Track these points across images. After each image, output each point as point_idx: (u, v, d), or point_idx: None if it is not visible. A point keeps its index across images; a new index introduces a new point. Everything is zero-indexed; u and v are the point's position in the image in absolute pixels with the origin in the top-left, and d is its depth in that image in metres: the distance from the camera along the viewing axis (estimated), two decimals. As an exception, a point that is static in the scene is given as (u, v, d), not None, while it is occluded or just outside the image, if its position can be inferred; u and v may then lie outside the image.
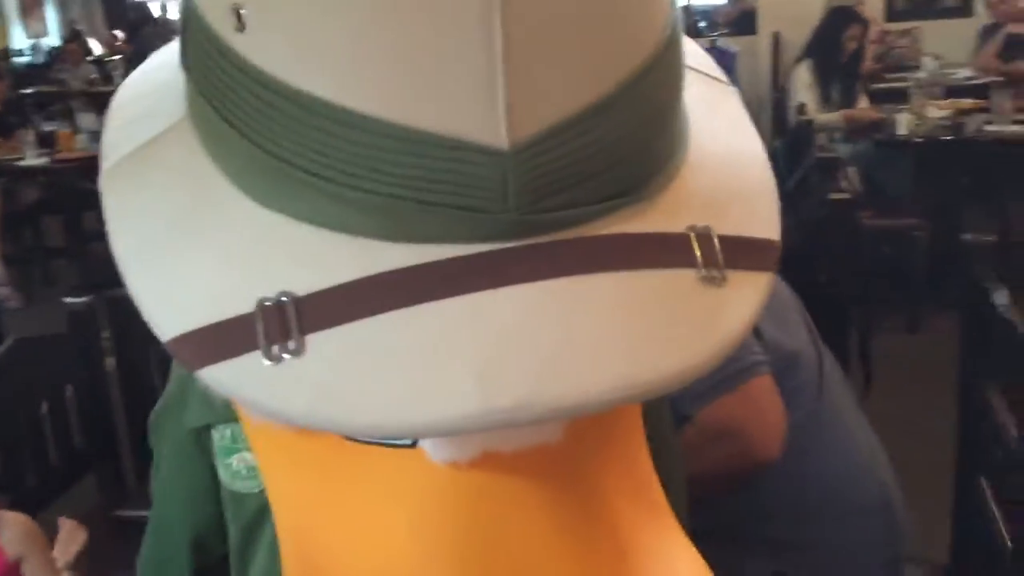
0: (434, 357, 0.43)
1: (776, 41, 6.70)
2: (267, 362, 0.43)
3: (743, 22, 7.49)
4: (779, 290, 1.46)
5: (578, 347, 0.44)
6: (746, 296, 0.49)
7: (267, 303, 0.44)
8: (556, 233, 0.46)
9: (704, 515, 1.27)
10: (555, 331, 0.44)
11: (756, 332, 1.36)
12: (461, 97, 0.42)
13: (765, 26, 6.95)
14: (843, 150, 4.62)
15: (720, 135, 0.56)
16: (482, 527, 0.59)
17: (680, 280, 0.48)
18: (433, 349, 0.43)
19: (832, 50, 4.92)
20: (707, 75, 0.61)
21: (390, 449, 0.58)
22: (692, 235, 0.49)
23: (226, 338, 0.44)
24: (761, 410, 1.35)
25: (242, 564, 0.76)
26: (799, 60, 5.11)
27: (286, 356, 0.43)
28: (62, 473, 2.17)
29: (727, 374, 1.33)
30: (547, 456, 0.59)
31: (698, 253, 0.48)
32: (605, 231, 0.47)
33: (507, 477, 0.59)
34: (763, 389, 1.35)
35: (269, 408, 0.44)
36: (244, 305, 0.44)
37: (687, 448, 1.36)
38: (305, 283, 0.44)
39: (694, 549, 0.66)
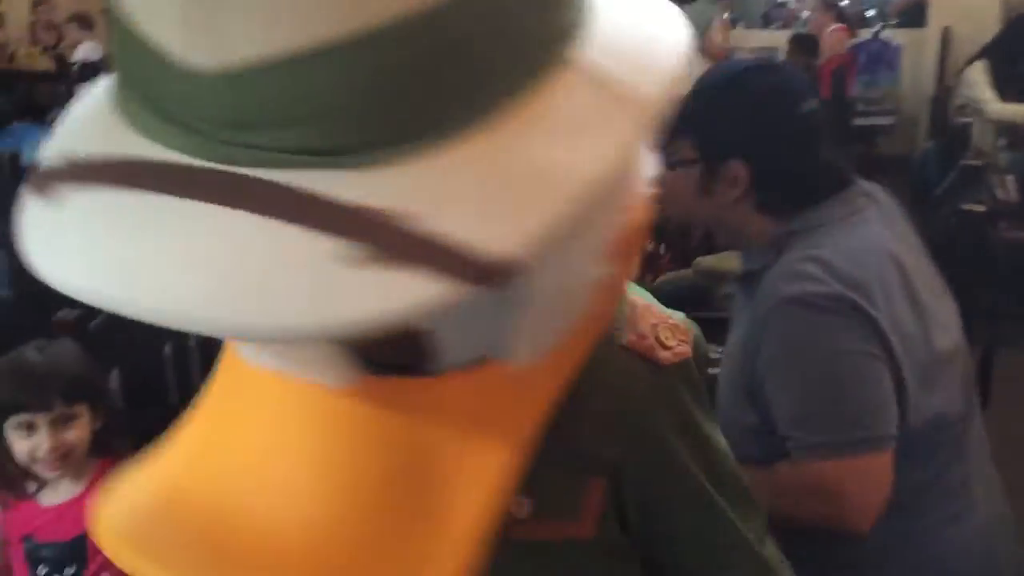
0: (80, 234, 0.51)
1: (946, 36, 6.35)
2: (40, 209, 0.53)
3: (913, 14, 7.13)
4: (937, 346, 1.37)
5: (174, 267, 0.48)
6: (387, 290, 0.47)
7: (60, 158, 0.54)
8: (249, 169, 0.49)
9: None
10: (165, 247, 0.49)
11: (900, 392, 1.31)
12: (175, 15, 0.48)
13: (936, 19, 6.60)
14: (1003, 158, 4.36)
15: (538, 145, 0.52)
16: (269, 434, 0.65)
17: (324, 246, 0.47)
18: (88, 227, 0.51)
19: (1011, 57, 4.63)
20: (618, 89, 0.56)
21: None
22: (369, 212, 0.48)
23: (36, 177, 0.55)
24: (867, 487, 1.30)
25: None
26: (973, 60, 4.83)
27: (45, 200, 0.53)
28: (182, 411, 2.30)
29: (851, 439, 1.29)
30: (335, 401, 0.63)
31: (355, 230, 0.47)
32: (291, 180, 0.49)
33: (295, 401, 0.64)
34: (878, 466, 1.30)
35: (22, 243, 0.54)
36: (55, 160, 0.55)
37: (779, 486, 1.32)
38: (88, 149, 0.54)
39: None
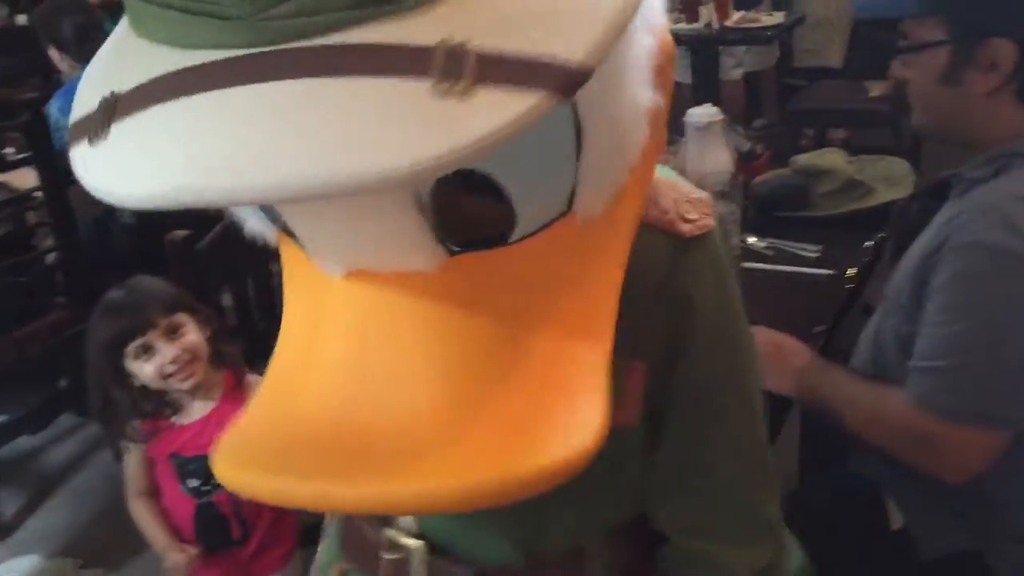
0: (163, 142, 0.52)
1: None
2: (89, 146, 0.55)
3: None
4: None
5: (272, 138, 0.49)
6: (491, 110, 0.48)
7: (103, 102, 0.56)
8: (295, 42, 0.51)
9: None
10: (261, 124, 0.50)
11: None
12: None
13: None
14: None
15: None
16: (362, 333, 0.63)
17: (409, 88, 0.49)
18: (166, 135, 0.52)
19: None
20: None
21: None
22: (440, 47, 0.49)
23: (81, 128, 0.57)
24: (973, 457, 1.26)
25: None
26: None
27: (99, 140, 0.54)
28: (269, 337, 2.40)
29: (983, 413, 1.23)
30: (424, 285, 0.63)
31: (439, 64, 0.49)
32: (344, 40, 0.50)
33: (383, 293, 0.63)
34: (994, 443, 1.25)
35: (84, 182, 0.55)
36: (94, 105, 0.57)
37: (884, 416, 1.31)
38: (126, 84, 0.55)
39: (597, 412, 0.63)
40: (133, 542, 2.38)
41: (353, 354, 0.63)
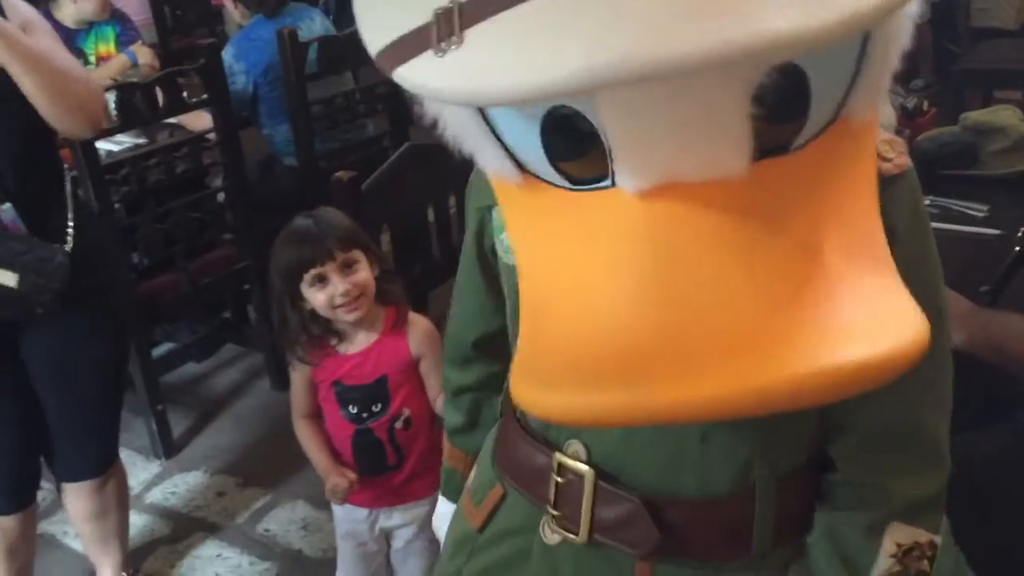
0: (555, 30, 0.52)
1: None
2: (435, 56, 0.56)
3: None
4: None
5: (684, 14, 0.50)
6: None
7: (439, 11, 0.56)
8: None
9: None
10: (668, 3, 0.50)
11: None
12: None
13: None
14: None
15: None
16: (664, 252, 0.63)
17: None
18: (555, 24, 0.52)
19: None
20: None
21: (593, 192, 0.67)
22: None
23: (408, 46, 0.58)
24: None
25: (515, 328, 0.88)
26: None
27: (450, 49, 0.55)
28: (442, 267, 2.48)
29: None
30: (730, 193, 0.63)
31: None
32: None
33: (692, 208, 0.63)
34: None
35: (436, 90, 0.56)
36: (424, 17, 0.57)
37: None
38: None
39: (913, 303, 0.63)
40: (288, 465, 2.55)
41: (655, 269, 0.62)
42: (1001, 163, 2.00)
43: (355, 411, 1.76)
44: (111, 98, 2.50)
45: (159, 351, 2.97)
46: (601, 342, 0.63)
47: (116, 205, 2.47)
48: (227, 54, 3.04)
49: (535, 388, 0.66)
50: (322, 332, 1.73)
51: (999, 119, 2.06)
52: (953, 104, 3.72)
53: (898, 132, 1.92)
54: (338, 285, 1.65)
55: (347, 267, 1.67)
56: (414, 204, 2.36)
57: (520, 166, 0.71)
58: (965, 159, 2.01)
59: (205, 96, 2.65)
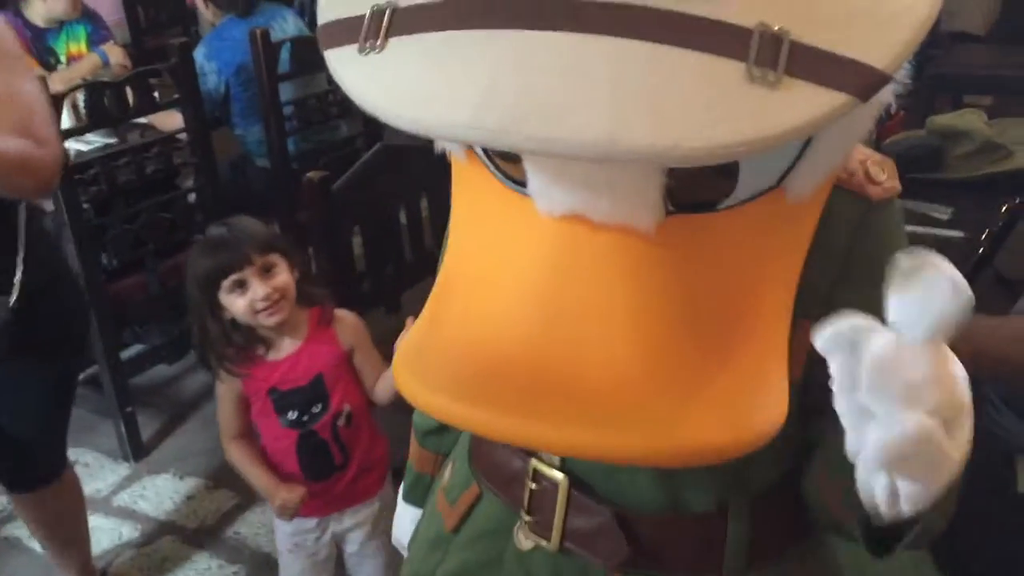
0: (460, 70, 0.51)
1: None
2: (357, 53, 0.55)
3: None
4: None
5: (579, 95, 0.49)
6: (798, 105, 0.48)
7: (375, 9, 0.56)
8: None
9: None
10: (568, 77, 0.49)
11: None
12: None
13: None
14: None
15: None
16: (564, 277, 0.64)
17: (722, 68, 0.49)
18: (464, 63, 0.51)
19: None
20: None
21: (518, 193, 0.67)
22: (757, 31, 0.49)
23: (342, 31, 0.57)
24: None
25: None
26: None
27: (371, 50, 0.55)
28: (415, 269, 2.47)
29: None
30: (638, 240, 0.63)
31: (754, 49, 0.49)
32: (662, 5, 0.50)
33: (598, 246, 0.64)
34: None
35: (346, 88, 0.56)
36: (362, 8, 0.56)
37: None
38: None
39: (776, 396, 0.64)
40: (260, 468, 2.53)
41: (549, 290, 0.64)
42: (966, 167, 2.03)
43: (295, 416, 1.72)
44: (80, 97, 2.48)
45: (128, 353, 2.95)
46: (488, 357, 0.64)
47: (85, 205, 2.45)
48: (199, 54, 3.03)
49: (417, 380, 0.67)
50: (245, 341, 1.69)
51: (964, 123, 2.08)
52: (924, 108, 3.77)
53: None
54: (258, 289, 1.63)
55: (266, 271, 1.65)
56: (386, 205, 2.36)
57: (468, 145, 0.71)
58: (931, 162, 2.04)
59: (176, 96, 2.63)
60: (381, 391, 1.76)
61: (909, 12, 0.52)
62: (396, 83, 0.54)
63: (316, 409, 1.72)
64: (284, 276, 1.66)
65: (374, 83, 0.55)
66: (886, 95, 0.67)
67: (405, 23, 0.55)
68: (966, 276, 1.51)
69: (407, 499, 1.20)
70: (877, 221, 0.75)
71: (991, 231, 1.78)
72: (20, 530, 2.44)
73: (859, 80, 0.50)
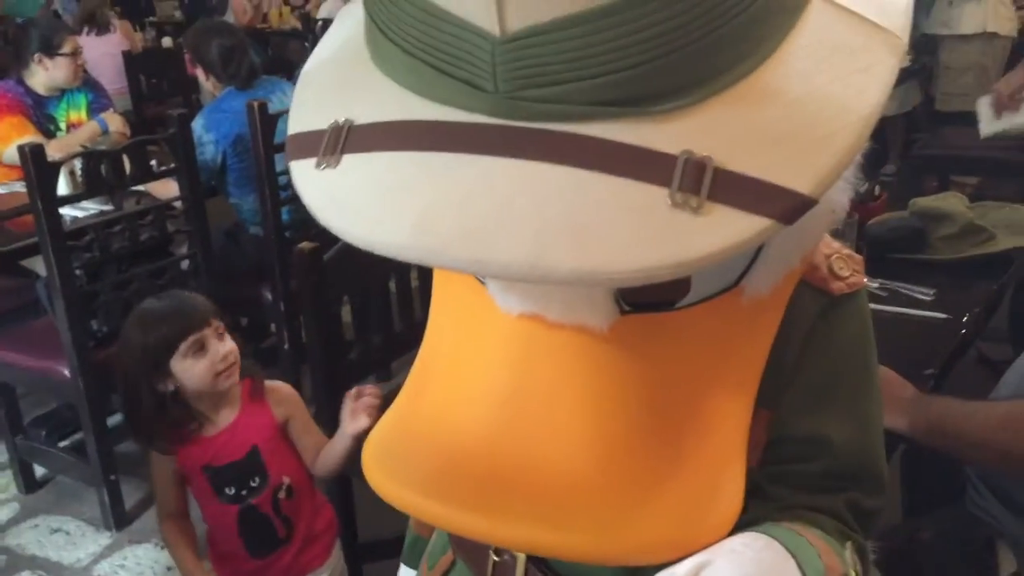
0: (401, 194, 0.54)
1: None
2: (315, 168, 0.57)
3: None
4: None
5: (504, 219, 0.51)
6: (719, 230, 0.50)
7: (334, 125, 0.58)
8: (542, 123, 0.52)
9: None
10: (495, 201, 0.51)
11: None
12: None
13: None
14: None
15: (817, 79, 0.54)
16: (523, 373, 0.67)
17: (646, 194, 0.50)
18: (404, 187, 0.54)
19: None
20: (869, 20, 0.57)
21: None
22: (682, 158, 0.50)
23: (304, 144, 0.59)
24: None
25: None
26: None
27: (327, 166, 0.57)
28: (404, 338, 2.48)
29: None
30: (593, 339, 0.66)
31: (678, 175, 0.50)
32: (590, 132, 0.52)
33: (551, 340, 0.66)
34: None
35: (305, 200, 0.58)
36: (323, 123, 0.59)
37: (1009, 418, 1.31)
38: (363, 115, 0.57)
39: (728, 504, 0.66)
40: (243, 538, 2.51)
41: (511, 390, 0.67)
42: (948, 248, 2.06)
43: (233, 492, 1.69)
44: (77, 165, 2.52)
45: (115, 420, 2.94)
46: (450, 453, 0.67)
47: (77, 271, 2.47)
48: (197, 124, 3.07)
49: (384, 474, 0.70)
50: (180, 417, 1.66)
51: (946, 206, 2.12)
52: (910, 188, 3.82)
53: (849, 216, 1.98)
54: (218, 348, 1.64)
55: (220, 334, 1.66)
56: (376, 275, 2.38)
57: None
58: (914, 244, 2.06)
59: (173, 165, 2.66)
60: (322, 465, 1.74)
61: (836, 137, 0.53)
62: (347, 202, 0.56)
63: (254, 483, 1.70)
64: (233, 343, 1.67)
65: (328, 199, 0.57)
66: (842, 197, 0.68)
67: (358, 141, 0.57)
68: (948, 357, 1.53)
69: (406, 561, 1.21)
70: (838, 314, 0.75)
71: (973, 312, 1.79)
72: (20, 538, 2.40)
73: (782, 205, 0.50)
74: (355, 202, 0.56)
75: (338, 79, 0.64)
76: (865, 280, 0.78)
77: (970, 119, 3.84)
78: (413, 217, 0.53)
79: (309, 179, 0.59)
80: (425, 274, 2.66)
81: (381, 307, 2.43)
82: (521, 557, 0.86)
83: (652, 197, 0.50)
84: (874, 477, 0.80)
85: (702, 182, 0.50)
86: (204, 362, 1.63)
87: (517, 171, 0.52)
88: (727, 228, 0.50)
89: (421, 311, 2.61)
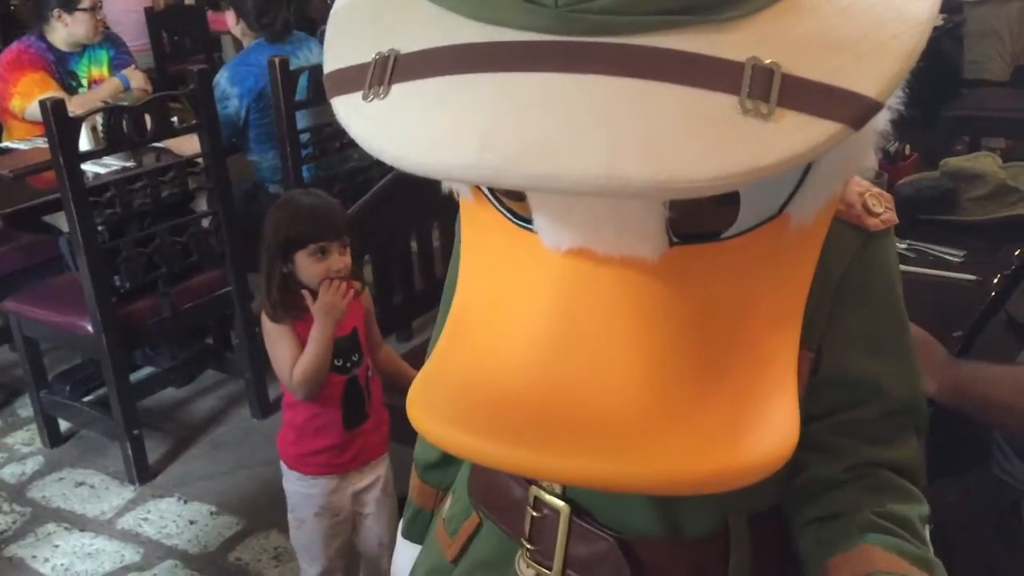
0: (461, 115, 0.53)
1: None
2: (362, 100, 0.57)
3: None
4: None
5: (574, 132, 0.50)
6: (792, 135, 0.50)
7: (378, 57, 0.58)
8: (605, 36, 0.52)
9: None
10: (562, 115, 0.51)
11: None
12: None
13: None
14: None
15: None
16: (571, 309, 0.65)
17: (715, 102, 0.50)
18: (464, 109, 0.53)
19: None
20: None
21: (524, 230, 0.69)
22: (749, 65, 0.50)
23: (348, 78, 0.59)
24: None
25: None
26: None
27: (375, 97, 0.57)
28: (425, 297, 2.47)
29: None
30: (642, 272, 0.65)
31: (746, 83, 0.50)
32: (652, 43, 0.51)
33: (603, 277, 0.65)
34: None
35: (353, 134, 0.58)
36: (367, 56, 0.58)
37: None
38: (409, 44, 0.57)
39: (788, 419, 0.65)
40: (262, 494, 2.53)
41: (559, 327, 0.65)
42: (979, 209, 2.02)
43: (340, 363, 1.87)
44: (99, 120, 2.51)
45: (138, 375, 2.96)
46: (497, 390, 0.66)
47: (99, 227, 2.47)
48: (222, 78, 3.06)
49: (428, 414, 0.68)
50: (294, 293, 1.84)
51: (978, 166, 2.08)
52: (941, 150, 3.76)
53: (878, 176, 1.94)
54: (337, 261, 1.83)
55: (343, 248, 1.85)
56: (398, 234, 2.37)
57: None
58: (944, 205, 2.03)
59: (194, 121, 2.65)
60: (379, 361, 1.99)
61: (896, 41, 0.54)
62: (401, 129, 0.55)
63: (355, 358, 1.90)
64: (348, 258, 1.86)
65: (380, 129, 0.56)
66: (884, 124, 0.68)
67: (407, 70, 0.57)
68: (977, 319, 1.51)
69: (406, 535, 1.20)
70: (873, 250, 0.76)
71: (1003, 275, 1.76)
72: (25, 550, 2.44)
73: (851, 109, 0.51)
74: (409, 128, 0.55)
75: (373, 13, 0.63)
76: (896, 217, 0.79)
77: (990, 84, 3.77)
78: (475, 136, 0.52)
79: (356, 111, 0.58)
80: (447, 233, 2.66)
81: (402, 266, 2.43)
82: (564, 510, 0.86)
83: (721, 105, 0.51)
84: (922, 412, 0.83)
85: (771, 88, 0.51)
86: (321, 266, 1.82)
87: (580, 85, 0.52)
88: (799, 133, 0.51)
89: (442, 270, 2.61)
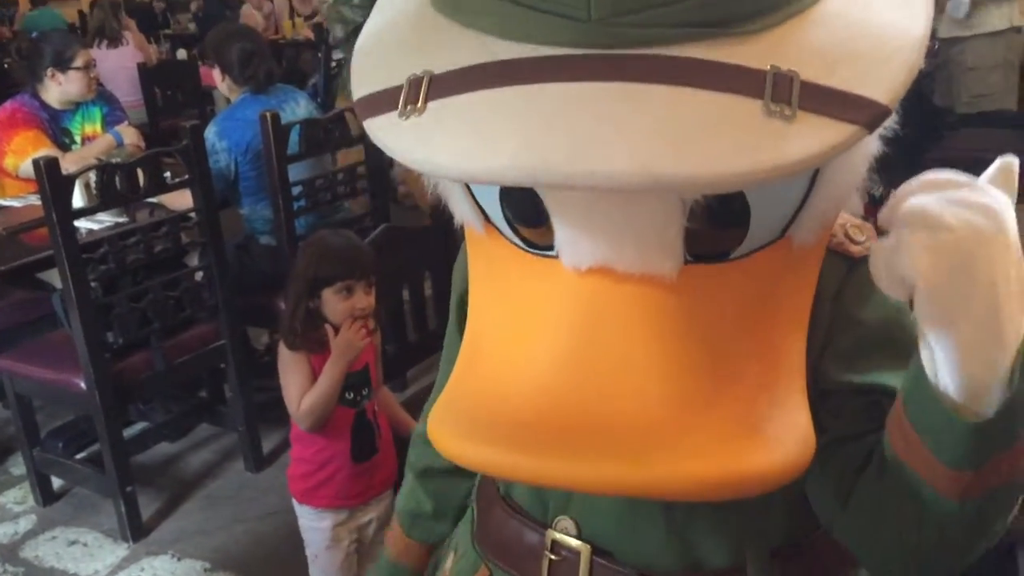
0: (498, 123, 0.57)
1: None
2: (398, 118, 0.60)
3: None
4: None
5: (609, 131, 0.54)
6: (814, 134, 0.54)
7: (412, 79, 0.62)
8: (634, 48, 0.56)
9: None
10: (597, 116, 0.55)
11: None
12: None
13: None
14: None
15: (876, 4, 0.61)
16: (591, 327, 0.68)
17: (741, 105, 0.55)
18: (502, 117, 0.57)
19: None
20: None
21: (542, 258, 0.72)
22: (770, 73, 0.55)
23: (381, 101, 0.63)
24: None
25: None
26: None
27: (412, 115, 0.60)
28: (418, 347, 2.48)
29: None
30: (659, 288, 0.67)
31: (768, 88, 0.55)
32: (683, 53, 0.56)
33: (621, 295, 0.68)
34: None
35: (389, 149, 0.61)
36: (400, 81, 0.62)
37: None
38: (442, 65, 0.61)
39: (801, 426, 0.66)
40: (258, 549, 2.51)
41: (580, 343, 0.68)
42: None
43: (352, 396, 1.95)
44: (92, 177, 2.52)
45: (131, 431, 2.94)
46: (521, 405, 0.67)
47: (93, 284, 2.47)
48: (210, 132, 3.08)
49: (453, 433, 0.70)
50: (316, 326, 1.93)
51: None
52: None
53: (863, 219, 1.96)
54: (361, 300, 1.92)
55: (368, 288, 1.94)
56: (390, 285, 2.38)
57: (486, 217, 0.76)
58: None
59: (187, 176, 2.67)
60: (378, 401, 2.04)
61: (899, 54, 0.59)
62: (439, 140, 0.59)
63: (365, 393, 1.98)
64: (372, 298, 1.94)
65: (418, 142, 0.60)
66: (873, 146, 0.72)
67: (442, 87, 0.60)
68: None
69: None
70: (859, 275, 0.78)
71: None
72: (37, 551, 2.41)
73: (865, 112, 0.56)
74: (448, 137, 0.59)
75: (399, 42, 0.67)
76: None
77: (989, 120, 3.79)
78: (513, 139, 0.56)
79: (392, 129, 0.61)
80: (439, 282, 2.68)
81: (395, 317, 2.43)
82: (585, 551, 0.86)
83: (747, 108, 0.55)
84: None
85: (792, 93, 0.56)
86: (347, 304, 1.91)
87: (613, 90, 0.56)
88: (820, 134, 0.55)
89: (435, 320, 2.62)
